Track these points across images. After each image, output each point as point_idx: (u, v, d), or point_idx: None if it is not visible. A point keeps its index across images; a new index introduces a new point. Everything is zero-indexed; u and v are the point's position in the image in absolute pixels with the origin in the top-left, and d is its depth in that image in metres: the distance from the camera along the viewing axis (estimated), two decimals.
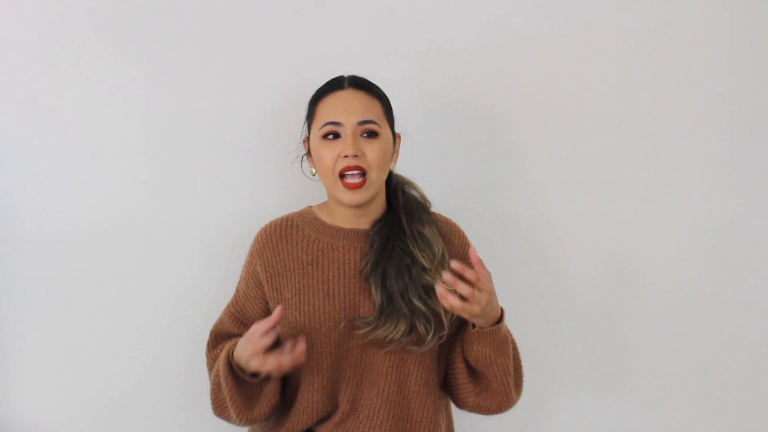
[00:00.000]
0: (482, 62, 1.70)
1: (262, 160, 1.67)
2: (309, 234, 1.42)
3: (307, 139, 1.45)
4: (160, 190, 1.66)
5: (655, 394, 1.80)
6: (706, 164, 1.77)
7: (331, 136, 1.36)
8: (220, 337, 1.46)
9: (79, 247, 1.66)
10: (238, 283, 1.48)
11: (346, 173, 1.34)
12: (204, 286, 1.67)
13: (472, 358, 1.37)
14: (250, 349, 1.26)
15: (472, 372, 1.41)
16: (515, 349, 1.42)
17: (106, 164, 1.65)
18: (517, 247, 1.75)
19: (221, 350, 1.41)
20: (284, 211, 1.49)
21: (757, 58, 1.76)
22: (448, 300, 1.22)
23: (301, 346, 1.26)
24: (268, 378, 1.33)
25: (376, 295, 1.35)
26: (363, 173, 1.34)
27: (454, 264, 1.22)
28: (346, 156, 1.34)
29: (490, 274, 1.26)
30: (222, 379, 1.33)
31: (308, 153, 1.45)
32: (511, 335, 1.41)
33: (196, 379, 1.65)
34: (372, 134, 1.37)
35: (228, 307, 1.47)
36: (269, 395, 1.36)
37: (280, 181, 1.66)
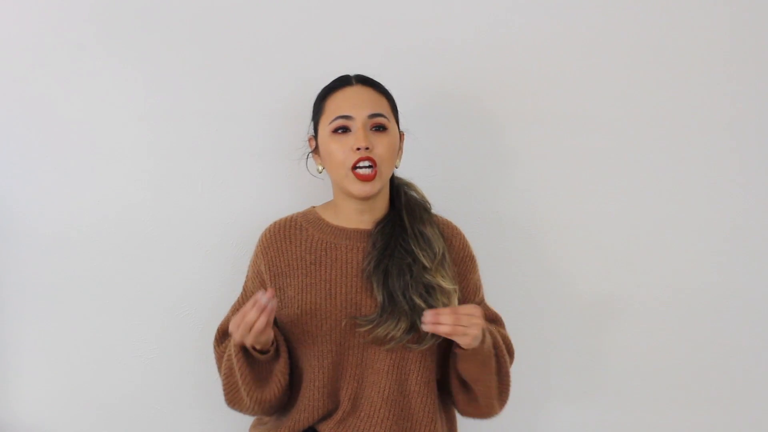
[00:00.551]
0: (482, 62, 1.71)
1: (263, 161, 1.67)
2: (312, 234, 1.44)
3: (313, 137, 1.46)
4: (161, 190, 1.66)
5: (655, 395, 1.80)
6: (706, 165, 1.77)
7: (341, 131, 1.39)
8: (227, 334, 1.46)
9: (80, 247, 1.65)
10: (245, 281, 1.50)
11: (357, 165, 1.36)
12: (205, 287, 1.67)
13: (460, 372, 1.39)
14: (243, 326, 1.28)
15: (464, 382, 1.42)
16: (504, 357, 1.43)
17: (107, 164, 1.65)
18: (516, 248, 1.75)
19: (229, 342, 1.42)
20: (286, 211, 1.51)
21: (759, 57, 1.76)
22: (437, 330, 1.28)
23: (270, 294, 1.27)
24: (276, 357, 1.38)
25: (378, 294, 1.37)
26: (373, 165, 1.37)
27: (427, 318, 1.27)
28: (358, 149, 1.36)
29: (474, 307, 1.31)
30: (234, 360, 1.35)
31: (313, 151, 1.47)
32: (503, 345, 1.43)
33: (197, 379, 1.66)
34: (381, 128, 1.39)
35: (234, 305, 1.49)
36: (278, 375, 1.38)
37: (282, 181, 1.66)
